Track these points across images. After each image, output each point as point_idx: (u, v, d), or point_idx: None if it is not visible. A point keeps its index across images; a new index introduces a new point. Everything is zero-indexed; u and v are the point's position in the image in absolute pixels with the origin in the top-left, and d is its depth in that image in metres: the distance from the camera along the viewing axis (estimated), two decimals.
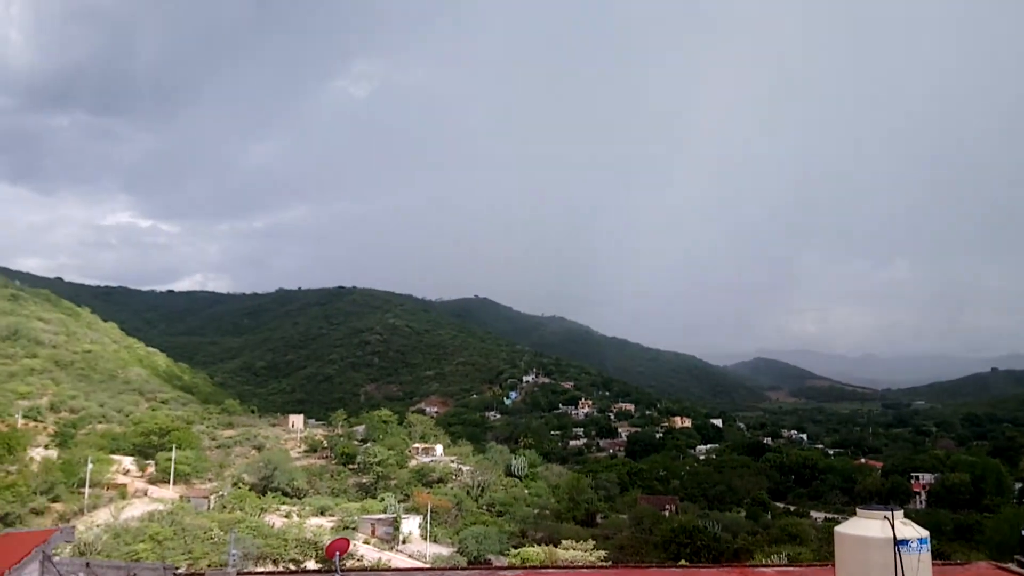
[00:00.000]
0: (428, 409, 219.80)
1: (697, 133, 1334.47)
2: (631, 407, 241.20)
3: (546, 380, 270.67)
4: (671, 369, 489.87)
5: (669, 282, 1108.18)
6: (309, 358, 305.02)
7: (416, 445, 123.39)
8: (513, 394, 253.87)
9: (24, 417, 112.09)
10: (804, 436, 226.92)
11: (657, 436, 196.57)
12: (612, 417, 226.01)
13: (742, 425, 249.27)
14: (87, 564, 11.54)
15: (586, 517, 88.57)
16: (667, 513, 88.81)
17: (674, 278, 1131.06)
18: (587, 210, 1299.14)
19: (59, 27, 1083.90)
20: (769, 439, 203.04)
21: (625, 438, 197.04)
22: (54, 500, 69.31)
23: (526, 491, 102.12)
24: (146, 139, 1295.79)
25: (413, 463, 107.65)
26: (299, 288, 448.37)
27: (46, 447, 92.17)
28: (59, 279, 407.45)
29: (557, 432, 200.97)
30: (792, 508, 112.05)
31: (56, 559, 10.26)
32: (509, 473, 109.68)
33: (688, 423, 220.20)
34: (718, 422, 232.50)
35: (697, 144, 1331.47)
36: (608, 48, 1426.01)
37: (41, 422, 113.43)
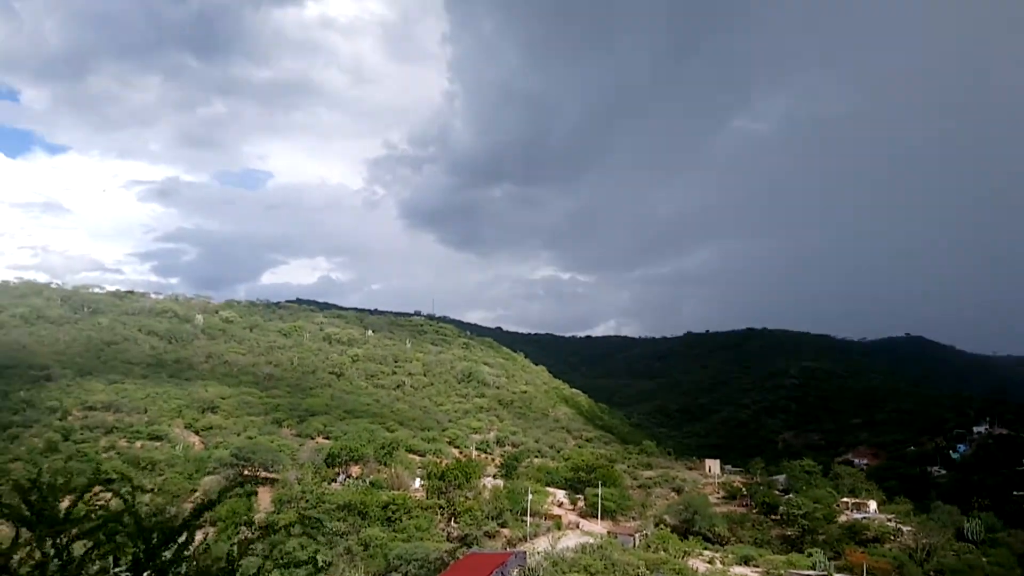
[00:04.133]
0: (856, 461, 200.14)
1: None
2: None
3: (1004, 431, 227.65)
4: None
5: None
6: (720, 402, 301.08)
7: (845, 499, 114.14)
8: (961, 447, 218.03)
9: (476, 449, 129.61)
10: None
11: None
12: None
13: None
14: None
15: None
16: None
17: None
18: None
19: (492, 113, 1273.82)
20: None
21: None
22: (502, 525, 77.57)
23: (984, 559, 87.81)
24: (563, 202, 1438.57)
25: (842, 518, 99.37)
26: (707, 331, 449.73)
27: (494, 477, 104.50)
28: (499, 328, 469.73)
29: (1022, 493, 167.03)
30: None
31: None
32: (960, 537, 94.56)
33: None
34: None
35: None
36: None
37: (489, 454, 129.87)
